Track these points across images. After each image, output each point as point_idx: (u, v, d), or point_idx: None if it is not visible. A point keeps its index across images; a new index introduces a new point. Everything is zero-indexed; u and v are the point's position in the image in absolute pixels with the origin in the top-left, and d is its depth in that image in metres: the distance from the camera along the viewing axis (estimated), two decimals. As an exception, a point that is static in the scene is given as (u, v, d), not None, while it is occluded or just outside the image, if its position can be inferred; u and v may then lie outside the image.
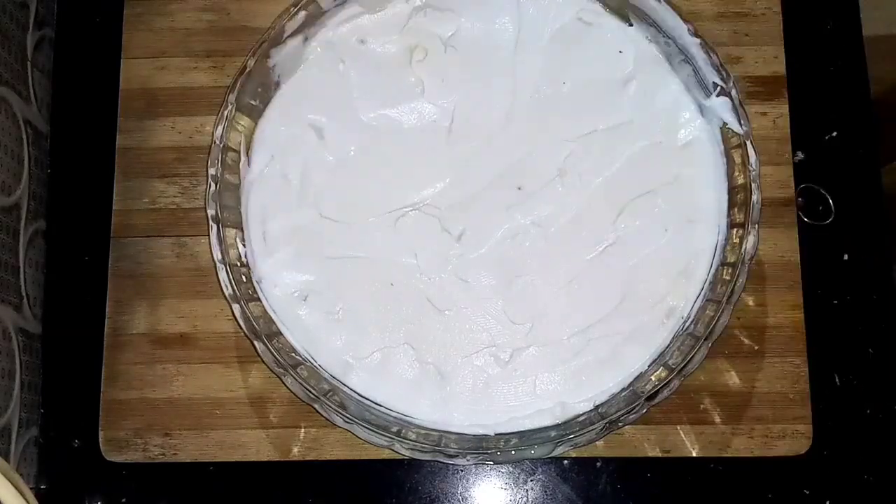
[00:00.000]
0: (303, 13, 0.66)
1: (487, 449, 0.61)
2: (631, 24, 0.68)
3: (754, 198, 0.63)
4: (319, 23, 0.68)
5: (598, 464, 0.67)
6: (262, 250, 0.66)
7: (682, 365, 0.61)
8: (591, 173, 0.67)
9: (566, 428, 0.62)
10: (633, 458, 0.67)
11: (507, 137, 0.68)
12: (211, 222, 0.63)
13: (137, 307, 0.69)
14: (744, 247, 0.62)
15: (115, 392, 0.68)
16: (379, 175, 0.67)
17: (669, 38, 0.66)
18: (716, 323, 0.61)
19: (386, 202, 0.67)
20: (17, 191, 0.68)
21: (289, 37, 0.66)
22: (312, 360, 0.65)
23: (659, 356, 0.64)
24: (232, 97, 0.64)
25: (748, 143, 0.63)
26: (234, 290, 0.62)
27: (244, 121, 0.66)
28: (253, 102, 0.67)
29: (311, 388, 0.61)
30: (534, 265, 0.66)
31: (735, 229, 0.64)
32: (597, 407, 0.63)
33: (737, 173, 0.65)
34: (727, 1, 0.73)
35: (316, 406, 0.62)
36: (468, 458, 0.61)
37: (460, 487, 0.67)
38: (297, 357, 0.64)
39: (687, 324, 0.64)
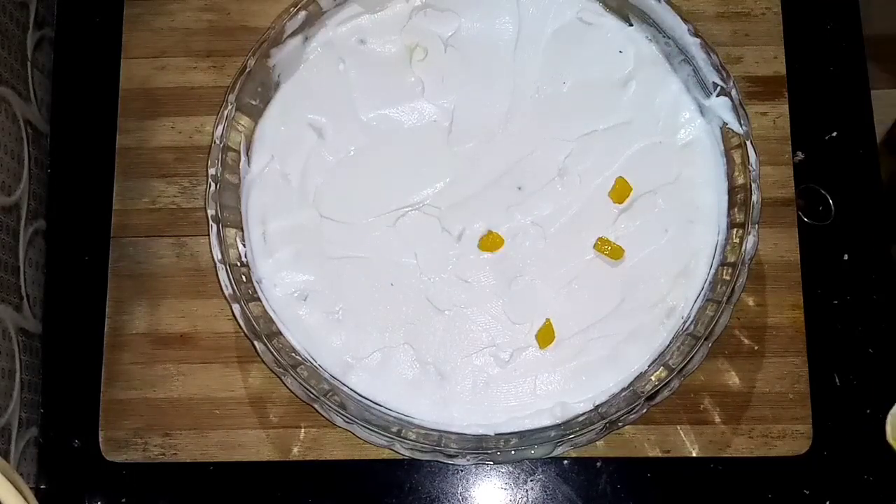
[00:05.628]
0: (303, 13, 0.66)
1: (487, 449, 0.61)
2: (631, 24, 0.68)
3: (754, 198, 0.63)
4: (319, 23, 0.68)
5: (598, 464, 0.67)
6: (262, 250, 0.66)
7: (682, 365, 0.61)
8: (591, 173, 0.67)
9: (566, 428, 0.62)
10: (633, 458, 0.67)
11: (507, 137, 0.68)
12: (211, 222, 0.63)
13: (137, 307, 0.69)
14: (744, 247, 0.62)
15: (115, 392, 0.68)
16: (379, 175, 0.68)
17: (669, 38, 0.66)
18: (716, 323, 0.62)
19: (386, 202, 0.67)
20: (17, 191, 0.68)
21: (289, 37, 0.66)
22: (312, 360, 0.65)
23: (659, 356, 0.64)
24: (232, 97, 0.64)
25: (748, 143, 0.64)
26: (234, 290, 0.62)
27: (244, 121, 0.66)
28: (253, 102, 0.67)
29: (311, 388, 0.61)
30: (534, 265, 0.66)
31: (735, 229, 0.64)
32: (597, 407, 0.63)
33: (737, 173, 0.65)
34: (727, 1, 0.73)
35: (316, 406, 0.62)
36: (468, 458, 0.61)
37: (460, 487, 0.67)
38: (297, 357, 0.64)
39: (687, 324, 0.64)
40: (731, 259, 0.64)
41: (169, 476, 0.67)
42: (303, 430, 0.67)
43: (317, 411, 0.62)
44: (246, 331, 0.62)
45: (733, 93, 0.64)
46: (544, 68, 0.69)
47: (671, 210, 0.67)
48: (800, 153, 0.71)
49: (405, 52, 0.69)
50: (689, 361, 0.61)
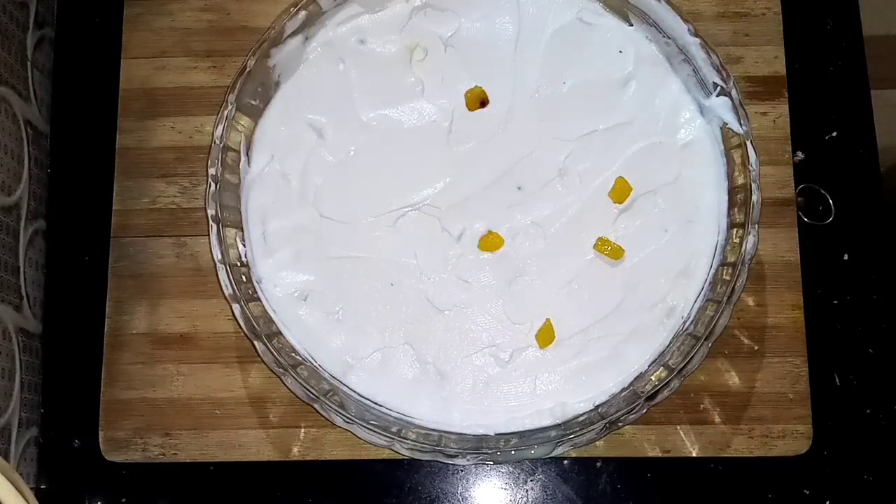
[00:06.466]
0: (303, 13, 0.66)
1: (487, 449, 0.61)
2: (631, 24, 0.68)
3: (754, 198, 0.63)
4: (319, 23, 0.68)
5: (598, 464, 0.67)
6: (262, 250, 0.66)
7: (682, 365, 0.61)
8: (591, 173, 0.67)
9: (566, 428, 0.62)
10: (633, 458, 0.67)
11: (507, 137, 0.68)
12: (211, 222, 0.63)
13: (137, 307, 0.69)
14: (744, 247, 0.62)
15: (115, 392, 0.68)
16: (379, 175, 0.68)
17: (669, 38, 0.66)
18: (716, 323, 0.62)
19: (386, 202, 0.67)
20: (17, 191, 0.68)
21: (289, 37, 0.66)
22: (312, 360, 0.65)
23: (659, 356, 0.64)
24: (232, 97, 0.64)
25: (748, 143, 0.64)
26: (234, 290, 0.62)
27: (244, 121, 0.66)
28: (253, 102, 0.67)
29: (311, 388, 0.61)
30: (534, 265, 0.66)
31: (735, 229, 0.64)
32: (597, 407, 0.63)
33: (737, 173, 0.65)
34: (727, 1, 0.73)
35: (316, 406, 0.62)
36: (468, 458, 0.61)
37: (460, 487, 0.67)
38: (297, 357, 0.64)
39: (687, 324, 0.64)
40: (731, 259, 0.64)
41: (169, 476, 0.67)
42: (303, 430, 0.67)
43: (317, 411, 0.62)
44: (246, 331, 0.62)
45: (733, 93, 0.64)
46: (544, 68, 0.69)
47: (671, 210, 0.67)
48: (800, 153, 0.71)
49: (405, 52, 0.69)
50: (689, 361, 0.61)
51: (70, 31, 0.74)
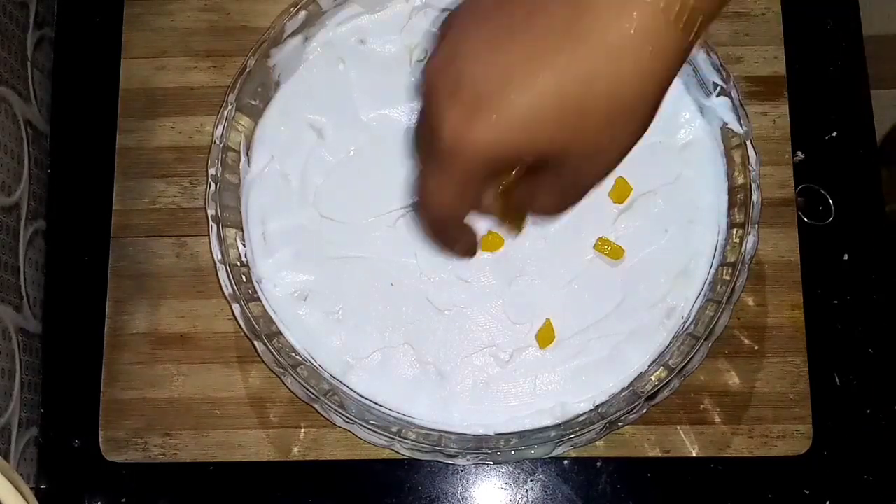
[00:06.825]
0: (303, 13, 0.66)
1: (487, 449, 0.61)
2: (631, 24, 0.68)
3: (754, 198, 0.63)
4: (319, 23, 0.68)
5: (598, 464, 0.67)
6: (262, 250, 0.66)
7: (682, 365, 0.61)
8: (591, 173, 0.67)
9: (566, 428, 0.63)
10: (633, 458, 0.67)
11: (507, 137, 0.68)
12: (211, 222, 0.63)
13: (137, 307, 0.69)
14: (744, 247, 0.62)
15: (115, 392, 0.68)
16: (379, 175, 0.67)
17: (669, 38, 0.66)
18: (716, 323, 0.62)
19: (386, 202, 0.67)
20: (17, 191, 0.68)
21: (289, 37, 0.66)
22: (312, 360, 0.65)
23: (659, 356, 0.64)
24: (232, 97, 0.64)
25: (748, 143, 0.64)
26: (234, 290, 0.62)
27: (244, 121, 0.66)
28: (253, 102, 0.67)
29: (311, 388, 0.61)
30: (534, 265, 0.66)
31: (735, 229, 0.64)
32: (597, 407, 0.63)
33: (737, 173, 0.65)
34: (727, 1, 0.72)
35: (316, 406, 0.62)
36: (468, 458, 0.61)
37: (460, 487, 0.67)
38: (297, 357, 0.64)
39: (687, 324, 0.64)
40: (731, 259, 0.64)
41: (169, 476, 0.67)
42: (303, 430, 0.67)
43: (317, 411, 0.62)
44: (246, 331, 0.63)
45: (733, 93, 0.64)
46: (544, 68, 0.69)
47: (671, 210, 0.67)
48: (800, 153, 0.71)
49: (405, 52, 0.69)
50: (689, 361, 0.61)
51: (70, 31, 0.74)
